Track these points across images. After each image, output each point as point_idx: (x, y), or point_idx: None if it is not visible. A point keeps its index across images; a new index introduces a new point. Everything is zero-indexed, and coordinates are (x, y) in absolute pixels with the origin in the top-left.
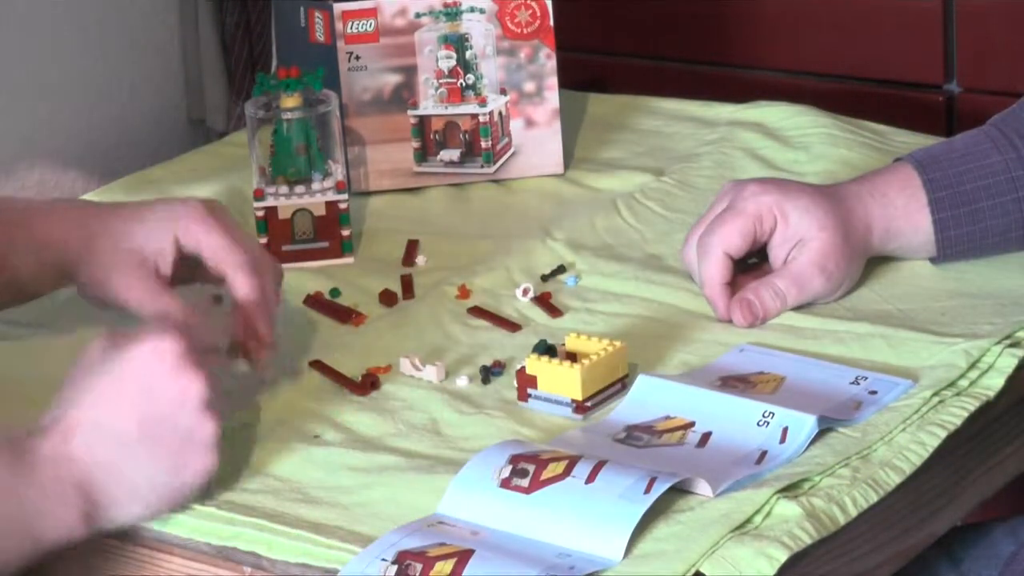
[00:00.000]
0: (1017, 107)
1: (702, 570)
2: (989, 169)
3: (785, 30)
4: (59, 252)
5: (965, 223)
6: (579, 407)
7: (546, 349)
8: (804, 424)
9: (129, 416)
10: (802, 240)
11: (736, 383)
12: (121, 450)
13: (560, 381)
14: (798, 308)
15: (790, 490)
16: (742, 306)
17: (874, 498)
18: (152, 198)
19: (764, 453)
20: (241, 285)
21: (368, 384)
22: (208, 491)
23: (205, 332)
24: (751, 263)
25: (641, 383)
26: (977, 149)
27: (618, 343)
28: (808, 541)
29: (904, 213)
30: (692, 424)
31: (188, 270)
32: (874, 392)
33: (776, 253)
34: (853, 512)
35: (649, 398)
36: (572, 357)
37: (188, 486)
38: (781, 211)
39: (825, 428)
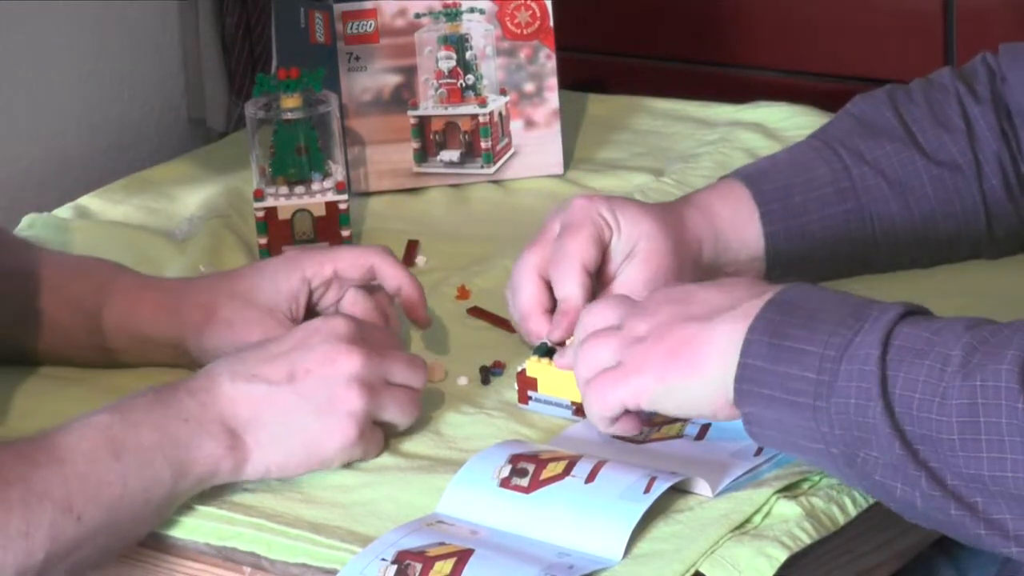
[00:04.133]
0: (836, 119)
1: (701, 570)
2: (816, 181)
3: (785, 30)
4: (168, 336)
5: (796, 236)
6: (579, 410)
7: (547, 351)
8: None
9: (281, 365)
10: (633, 250)
11: None
12: (267, 393)
13: (561, 384)
14: None
15: (790, 490)
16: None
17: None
18: (152, 198)
19: None
20: (392, 273)
21: None
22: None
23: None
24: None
25: None
26: (804, 160)
27: None
28: (808, 541)
29: (732, 225)
30: None
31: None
32: None
33: (610, 264)
34: (853, 512)
35: None
36: None
37: (328, 451)
38: (615, 220)
39: None
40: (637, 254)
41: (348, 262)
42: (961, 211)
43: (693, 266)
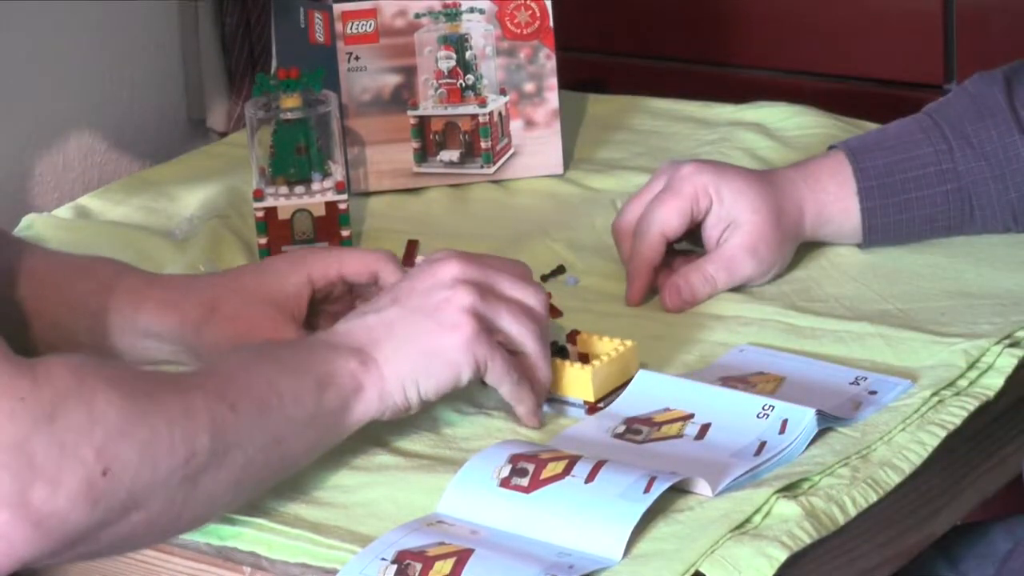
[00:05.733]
0: (952, 96)
1: (701, 570)
2: (919, 160)
3: (785, 30)
4: (170, 332)
5: (892, 212)
6: (592, 408)
7: (558, 351)
8: (803, 416)
9: (386, 296)
10: (735, 222)
11: (736, 384)
12: (379, 317)
13: (571, 383)
14: (798, 308)
15: (789, 490)
16: (671, 290)
17: (874, 498)
18: (152, 198)
19: (763, 444)
20: (394, 275)
21: None
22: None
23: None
24: (680, 250)
25: (641, 377)
26: (909, 139)
27: (628, 342)
28: (808, 541)
29: (835, 199)
30: (691, 416)
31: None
32: (874, 392)
33: (709, 234)
34: (853, 512)
35: (649, 391)
36: (583, 358)
37: (450, 351)
38: (717, 191)
39: (825, 428)
40: (739, 225)
41: (353, 266)
42: None
43: (794, 235)
